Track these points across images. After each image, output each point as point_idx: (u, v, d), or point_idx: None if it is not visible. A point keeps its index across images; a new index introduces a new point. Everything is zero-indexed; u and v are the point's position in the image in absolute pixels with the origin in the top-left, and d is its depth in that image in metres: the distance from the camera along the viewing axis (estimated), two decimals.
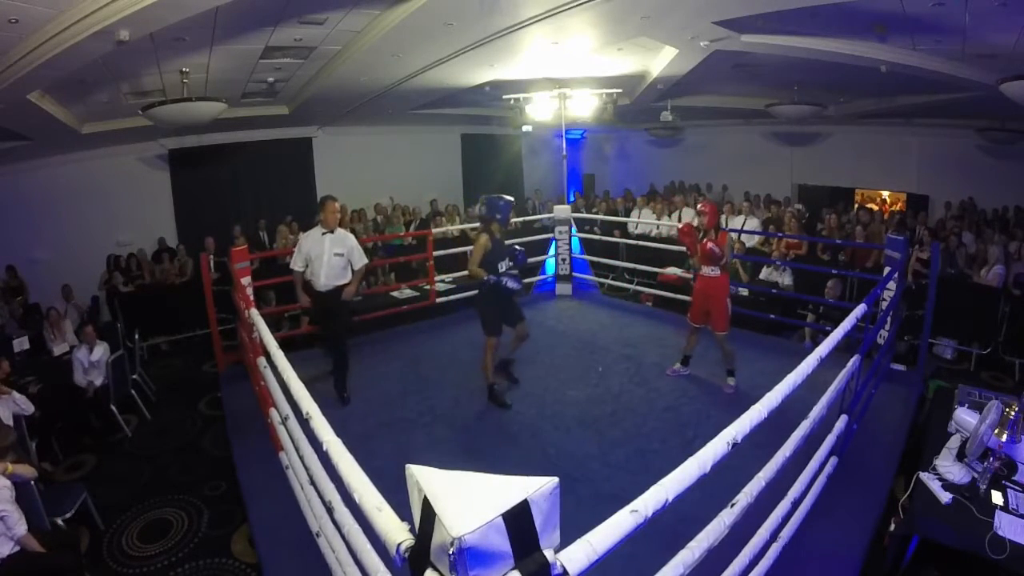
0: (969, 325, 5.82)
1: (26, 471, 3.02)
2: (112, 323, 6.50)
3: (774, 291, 6.26)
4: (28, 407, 3.92)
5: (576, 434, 3.88)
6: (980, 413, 2.94)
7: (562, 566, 1.08)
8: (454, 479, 1.08)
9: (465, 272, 7.29)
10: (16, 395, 3.88)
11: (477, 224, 4.32)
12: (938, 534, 2.57)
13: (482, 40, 5.37)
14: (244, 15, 4.42)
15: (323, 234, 4.29)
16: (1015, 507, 2.57)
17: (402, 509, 1.25)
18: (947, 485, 2.74)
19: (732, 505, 1.91)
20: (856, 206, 9.96)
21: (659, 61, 6.81)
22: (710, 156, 11.95)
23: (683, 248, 4.96)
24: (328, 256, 4.28)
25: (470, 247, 7.78)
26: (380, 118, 9.51)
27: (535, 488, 1.03)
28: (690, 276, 6.07)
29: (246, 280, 4.78)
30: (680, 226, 4.62)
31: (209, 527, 3.62)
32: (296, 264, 4.38)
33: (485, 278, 3.98)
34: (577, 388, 4.54)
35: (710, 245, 4.25)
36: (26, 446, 3.82)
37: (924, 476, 2.82)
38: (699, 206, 4.58)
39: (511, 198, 4.21)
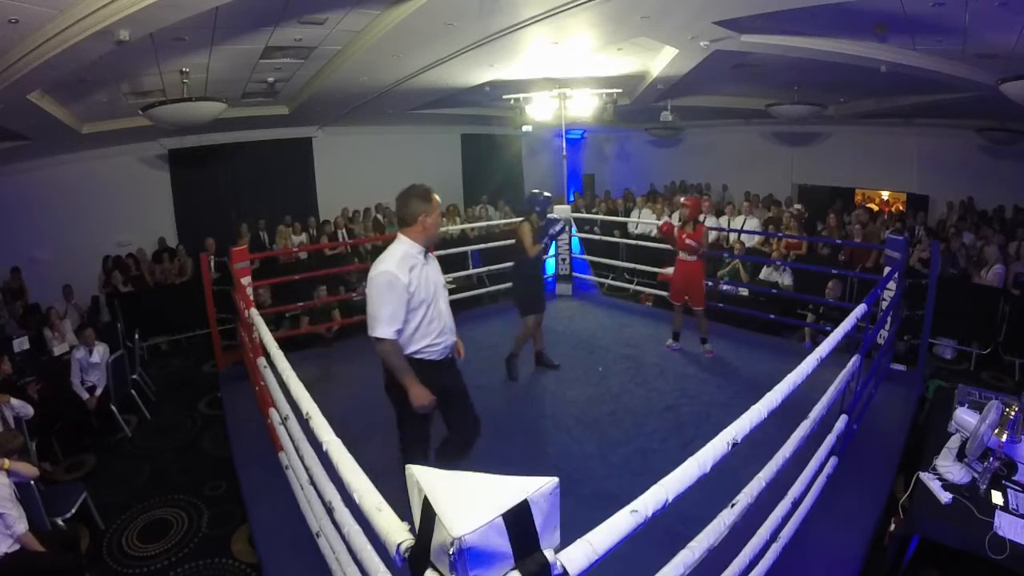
0: (969, 325, 5.82)
1: (26, 469, 3.03)
2: (112, 323, 6.50)
3: (774, 291, 6.27)
4: (27, 411, 3.92)
5: (576, 434, 3.87)
6: (980, 413, 2.94)
7: (562, 566, 1.08)
8: (454, 479, 1.07)
9: (465, 272, 7.39)
10: (14, 401, 3.87)
11: (519, 218, 4.80)
12: (938, 534, 2.57)
13: (482, 40, 5.37)
14: (244, 15, 4.42)
15: (425, 255, 2.59)
16: (1015, 507, 2.57)
17: (402, 509, 1.25)
18: (947, 485, 2.74)
19: (732, 505, 1.91)
20: (856, 205, 9.97)
21: (659, 61, 6.82)
22: (710, 156, 11.96)
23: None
24: (444, 293, 2.70)
25: (470, 247, 7.89)
26: (380, 118, 9.50)
27: (535, 488, 1.03)
28: None
29: (246, 280, 4.78)
30: (660, 223, 5.16)
31: (209, 527, 3.62)
32: (393, 325, 2.43)
33: (541, 248, 4.45)
34: (577, 388, 4.54)
35: (687, 239, 4.80)
36: (26, 446, 3.81)
37: (924, 476, 2.82)
38: (681, 199, 5.27)
39: (549, 194, 4.64)
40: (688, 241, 4.78)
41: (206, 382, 5.86)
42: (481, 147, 12.14)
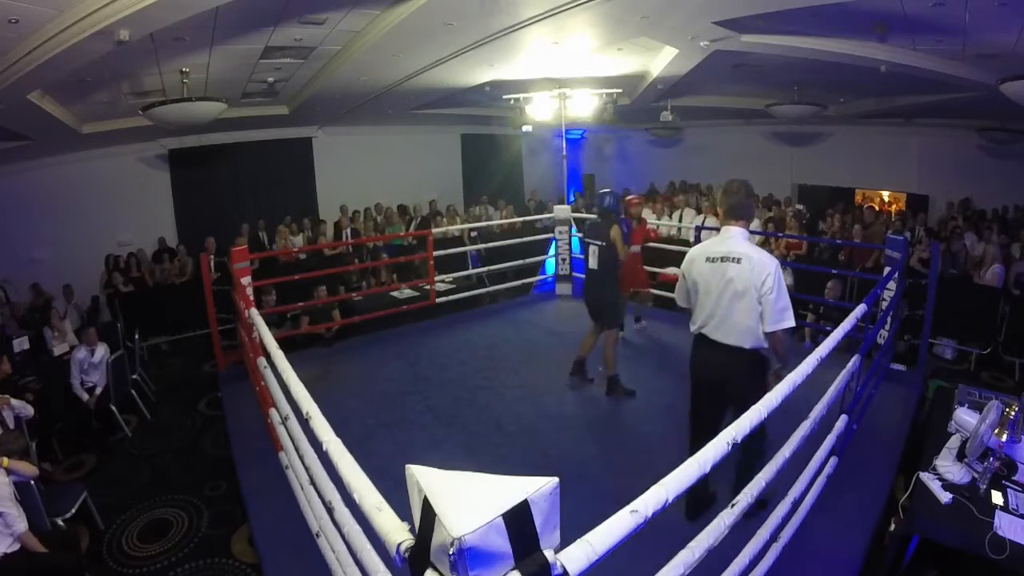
0: (969, 325, 5.81)
1: (26, 469, 3.03)
2: (112, 323, 6.50)
3: None
4: (27, 411, 3.92)
5: (576, 434, 3.87)
6: (980, 413, 2.94)
7: (562, 566, 1.08)
8: (454, 479, 1.07)
9: (464, 272, 7.39)
10: (14, 402, 3.86)
11: (597, 216, 4.49)
12: (938, 534, 2.57)
13: (482, 40, 5.37)
14: (244, 15, 4.42)
15: None
16: (1015, 507, 2.57)
17: (402, 509, 1.25)
18: (947, 485, 2.74)
19: (732, 505, 1.91)
20: (856, 205, 9.96)
21: (659, 61, 6.82)
22: (710, 156, 11.94)
23: (682, 248, 5.08)
24: None
25: (470, 247, 7.89)
26: (380, 118, 9.51)
27: (535, 488, 1.03)
28: None
29: (246, 280, 4.78)
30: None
31: (209, 527, 3.62)
32: None
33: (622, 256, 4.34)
34: (577, 388, 4.54)
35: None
36: (27, 447, 3.81)
37: (924, 476, 2.82)
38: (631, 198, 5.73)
39: (618, 192, 4.70)
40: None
41: (206, 382, 5.86)
42: (481, 147, 12.14)
